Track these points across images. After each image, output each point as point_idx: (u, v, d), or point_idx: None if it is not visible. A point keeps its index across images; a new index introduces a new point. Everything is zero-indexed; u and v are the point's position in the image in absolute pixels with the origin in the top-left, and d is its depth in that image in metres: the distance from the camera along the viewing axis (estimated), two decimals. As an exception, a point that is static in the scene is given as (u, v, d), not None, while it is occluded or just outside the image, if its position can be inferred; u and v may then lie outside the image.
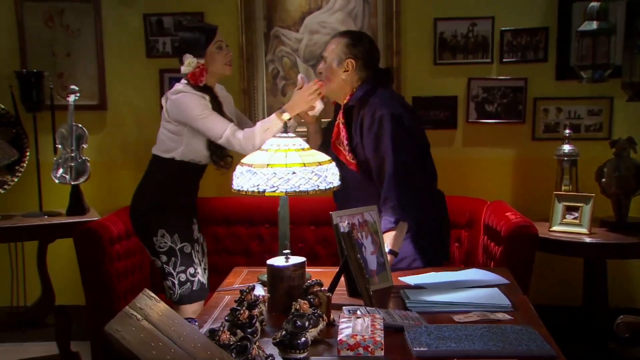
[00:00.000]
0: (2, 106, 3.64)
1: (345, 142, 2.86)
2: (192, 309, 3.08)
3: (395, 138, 2.70)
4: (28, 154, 3.67)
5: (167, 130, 3.07)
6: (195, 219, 3.21)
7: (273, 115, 2.98)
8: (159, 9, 4.00)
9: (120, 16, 4.04)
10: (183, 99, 2.98)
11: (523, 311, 2.16)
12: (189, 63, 2.97)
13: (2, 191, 3.58)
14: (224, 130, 2.95)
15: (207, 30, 3.04)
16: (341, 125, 2.88)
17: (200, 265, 3.17)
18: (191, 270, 3.10)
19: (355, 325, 1.84)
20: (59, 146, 3.62)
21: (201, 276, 3.14)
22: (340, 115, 2.89)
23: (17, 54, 4.01)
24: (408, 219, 2.72)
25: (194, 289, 3.10)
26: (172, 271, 3.07)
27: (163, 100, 3.10)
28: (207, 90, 3.05)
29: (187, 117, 2.98)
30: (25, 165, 3.66)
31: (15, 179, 3.63)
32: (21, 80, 3.63)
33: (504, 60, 3.88)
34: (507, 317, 2.10)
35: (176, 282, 3.08)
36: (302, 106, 2.96)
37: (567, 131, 3.58)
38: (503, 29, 3.85)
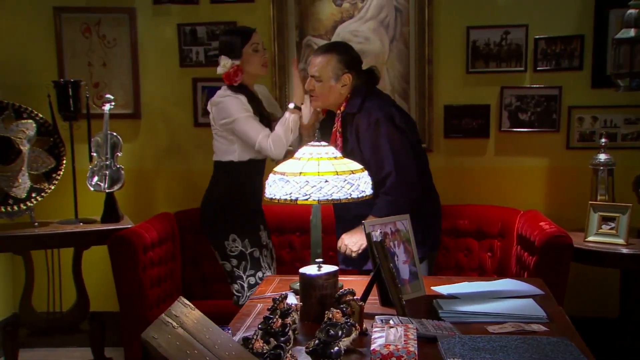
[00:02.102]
0: (41, 115, 3.71)
1: (339, 148, 2.99)
2: None
3: (391, 138, 2.87)
4: (64, 162, 3.73)
5: (219, 136, 3.22)
6: (262, 226, 3.33)
7: (286, 113, 3.17)
8: (192, 18, 4.06)
9: (155, 26, 4.11)
10: (224, 103, 3.15)
11: (559, 323, 2.13)
12: (224, 64, 3.16)
13: (40, 198, 3.65)
14: (256, 137, 3.10)
15: (243, 33, 3.21)
16: (337, 134, 3.02)
17: (270, 269, 3.28)
18: (260, 274, 3.22)
19: (388, 335, 1.82)
20: (94, 154, 3.68)
21: None
22: (338, 124, 3.02)
23: (54, 63, 4.11)
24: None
25: None
26: (242, 274, 3.20)
27: (209, 107, 3.25)
28: (243, 89, 3.19)
29: (227, 121, 3.14)
30: (61, 173, 3.72)
31: (52, 187, 3.69)
32: (59, 89, 3.69)
33: (538, 68, 3.84)
34: (543, 328, 2.07)
35: (245, 285, 3.20)
36: (299, 92, 3.19)
37: (603, 140, 3.52)
38: (537, 36, 3.82)
